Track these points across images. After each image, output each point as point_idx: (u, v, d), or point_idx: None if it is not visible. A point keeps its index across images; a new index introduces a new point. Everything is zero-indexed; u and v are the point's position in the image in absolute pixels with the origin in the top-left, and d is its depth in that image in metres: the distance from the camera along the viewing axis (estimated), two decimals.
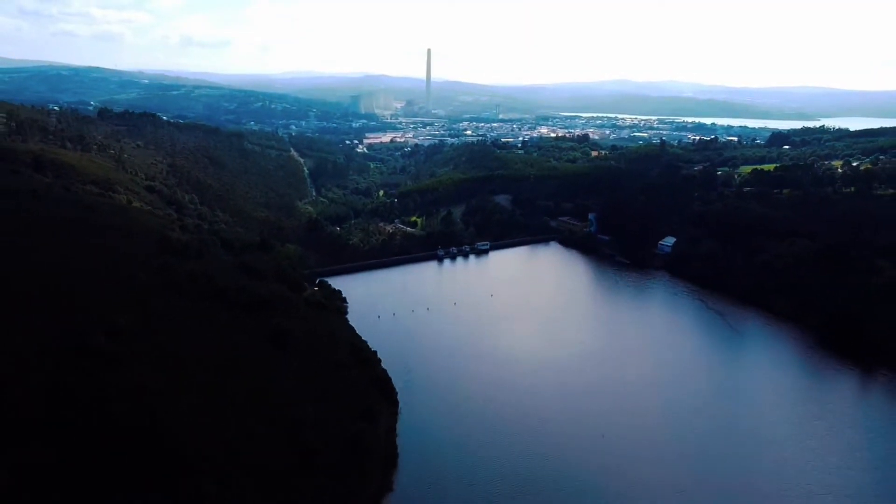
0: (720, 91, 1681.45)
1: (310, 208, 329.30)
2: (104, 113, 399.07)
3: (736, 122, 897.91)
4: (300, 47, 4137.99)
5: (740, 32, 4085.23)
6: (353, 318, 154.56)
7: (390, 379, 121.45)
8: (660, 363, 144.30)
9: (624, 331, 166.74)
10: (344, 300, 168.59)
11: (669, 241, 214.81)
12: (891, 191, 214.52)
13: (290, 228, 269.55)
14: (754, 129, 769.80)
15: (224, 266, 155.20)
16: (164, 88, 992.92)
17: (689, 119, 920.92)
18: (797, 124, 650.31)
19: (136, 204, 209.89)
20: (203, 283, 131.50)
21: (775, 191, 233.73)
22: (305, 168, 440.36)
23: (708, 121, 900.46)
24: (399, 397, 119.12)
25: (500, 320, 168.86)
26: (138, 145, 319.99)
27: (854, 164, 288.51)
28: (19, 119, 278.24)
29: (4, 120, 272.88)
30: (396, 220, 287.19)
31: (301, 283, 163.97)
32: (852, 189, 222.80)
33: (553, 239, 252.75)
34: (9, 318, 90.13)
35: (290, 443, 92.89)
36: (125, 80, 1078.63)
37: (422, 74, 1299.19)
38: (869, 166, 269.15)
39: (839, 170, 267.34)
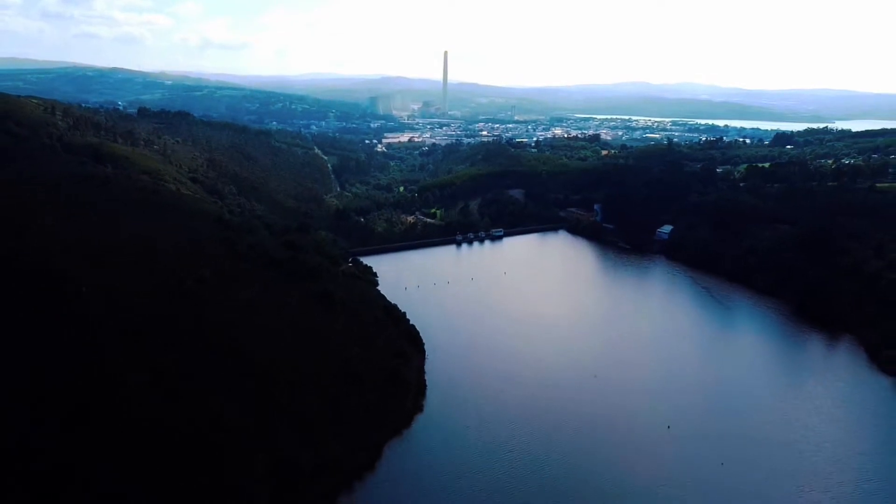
0: (736, 94, 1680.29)
1: (335, 201, 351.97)
2: (143, 112, 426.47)
3: (750, 125, 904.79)
4: (317, 50, 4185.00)
5: (758, 35, 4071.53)
6: (382, 289, 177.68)
7: (418, 332, 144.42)
8: (652, 325, 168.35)
9: (622, 300, 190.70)
10: (374, 274, 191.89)
11: (667, 228, 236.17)
12: (869, 183, 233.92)
13: (320, 217, 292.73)
14: (766, 131, 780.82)
15: (272, 243, 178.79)
16: (188, 89, 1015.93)
17: (704, 121, 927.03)
18: (814, 127, 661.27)
19: (184, 192, 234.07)
20: (259, 253, 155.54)
21: (767, 185, 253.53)
22: (329, 165, 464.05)
23: (722, 123, 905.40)
24: (425, 347, 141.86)
25: (511, 291, 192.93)
26: (177, 141, 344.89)
27: (846, 161, 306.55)
28: (74, 116, 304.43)
29: (61, 116, 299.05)
30: (417, 212, 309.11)
31: (338, 258, 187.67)
32: (835, 183, 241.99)
33: (562, 227, 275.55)
34: (128, 267, 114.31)
35: (343, 372, 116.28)
36: (149, 82, 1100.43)
37: (438, 76, 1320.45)
38: (858, 163, 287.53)
39: (833, 166, 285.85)
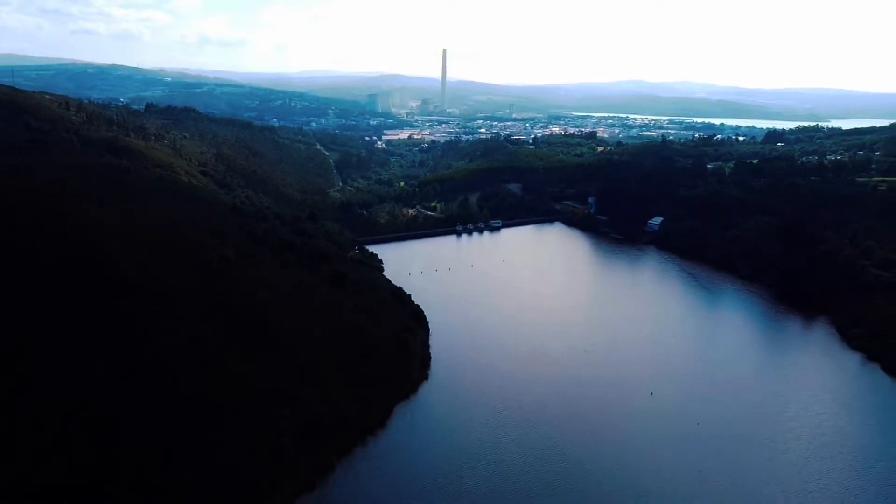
0: (733, 92, 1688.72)
1: (338, 195, 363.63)
2: (150, 108, 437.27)
3: (746, 123, 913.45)
4: (316, 47, 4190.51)
5: (755, 34, 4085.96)
6: (388, 274, 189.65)
7: (422, 311, 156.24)
8: (640, 304, 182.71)
9: (612, 284, 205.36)
10: (380, 261, 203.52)
11: (657, 220, 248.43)
12: (850, 178, 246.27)
13: (325, 209, 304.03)
14: (762, 129, 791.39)
15: (284, 230, 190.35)
16: (188, 86, 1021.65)
17: (700, 120, 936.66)
18: (806, 125, 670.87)
19: (196, 184, 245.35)
20: (274, 238, 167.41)
21: (753, 180, 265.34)
22: (331, 160, 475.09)
23: (718, 121, 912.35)
24: (429, 324, 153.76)
25: (508, 276, 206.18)
26: (185, 136, 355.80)
27: (830, 157, 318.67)
28: (88, 111, 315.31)
29: (75, 112, 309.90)
30: (418, 205, 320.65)
31: (346, 245, 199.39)
32: (818, 178, 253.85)
33: (557, 219, 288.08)
34: (160, 246, 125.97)
35: (356, 343, 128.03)
36: (149, 79, 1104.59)
37: (436, 74, 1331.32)
38: (842, 159, 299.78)
39: (817, 162, 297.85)
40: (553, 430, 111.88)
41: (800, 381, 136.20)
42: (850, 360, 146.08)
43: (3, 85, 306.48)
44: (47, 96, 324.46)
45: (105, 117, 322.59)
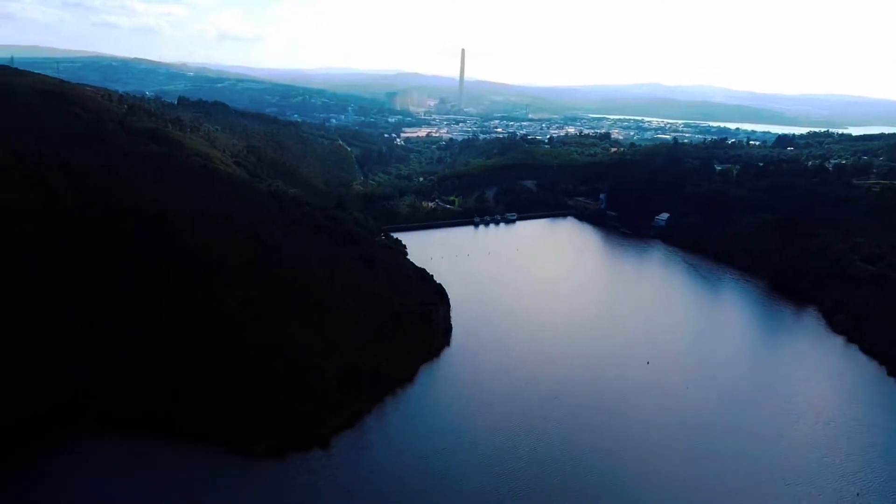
0: (750, 97, 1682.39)
1: (361, 188, 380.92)
2: (182, 101, 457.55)
3: (761, 128, 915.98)
4: (332, 43, 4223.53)
5: (773, 39, 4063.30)
6: (410, 258, 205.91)
7: (444, 289, 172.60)
8: (644, 290, 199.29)
9: (619, 272, 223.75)
10: (403, 246, 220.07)
11: (664, 216, 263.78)
12: (847, 179, 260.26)
13: (350, 200, 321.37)
14: (776, 134, 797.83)
15: (316, 215, 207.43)
16: (210, 81, 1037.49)
17: (715, 124, 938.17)
18: (817, 131, 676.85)
19: (232, 172, 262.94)
20: (310, 221, 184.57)
21: (757, 180, 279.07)
22: (353, 155, 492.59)
23: (733, 126, 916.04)
24: (450, 300, 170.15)
25: (523, 262, 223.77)
26: (217, 129, 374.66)
27: (833, 161, 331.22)
28: (128, 103, 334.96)
29: (116, 103, 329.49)
30: (437, 199, 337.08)
31: (372, 231, 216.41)
32: (817, 179, 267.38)
33: (570, 214, 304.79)
34: (216, 223, 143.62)
35: (386, 312, 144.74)
36: (172, 73, 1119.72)
37: (453, 73, 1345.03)
38: (844, 163, 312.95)
39: (819, 164, 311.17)
40: (555, 383, 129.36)
41: (789, 358, 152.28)
42: (833, 342, 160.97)
43: (51, 77, 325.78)
44: (88, 88, 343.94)
45: (144, 109, 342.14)
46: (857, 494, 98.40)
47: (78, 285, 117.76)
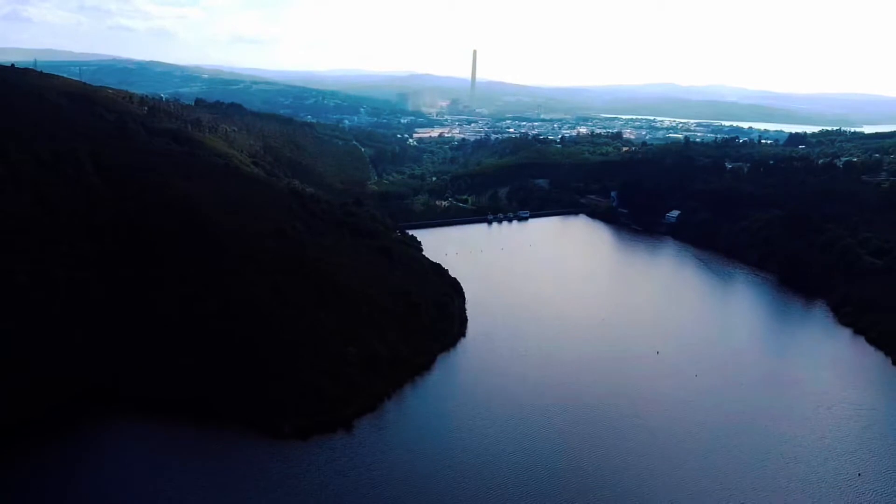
0: (764, 96, 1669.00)
1: (376, 187, 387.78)
2: (199, 102, 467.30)
3: (774, 127, 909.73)
4: (346, 45, 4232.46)
5: (788, 38, 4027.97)
6: (426, 254, 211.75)
7: (459, 283, 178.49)
8: (652, 284, 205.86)
9: (630, 267, 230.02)
10: (419, 242, 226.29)
11: (674, 213, 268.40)
12: (856, 176, 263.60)
13: (366, 198, 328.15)
14: (790, 133, 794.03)
15: (336, 211, 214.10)
16: (225, 83, 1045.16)
17: (729, 123, 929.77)
18: (830, 129, 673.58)
19: (252, 171, 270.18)
20: (331, 216, 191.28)
21: (767, 177, 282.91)
22: (367, 155, 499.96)
23: (747, 125, 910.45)
24: (465, 293, 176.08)
25: (536, 258, 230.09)
26: (234, 130, 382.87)
27: (843, 159, 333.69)
28: (149, 104, 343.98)
29: (136, 105, 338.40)
30: (450, 198, 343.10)
31: (389, 227, 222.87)
32: (826, 176, 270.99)
33: (581, 212, 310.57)
34: (244, 216, 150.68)
35: (405, 302, 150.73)
36: (187, 75, 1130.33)
37: (465, 74, 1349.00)
38: (855, 160, 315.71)
39: (828, 162, 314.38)
40: (566, 371, 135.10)
41: (796, 349, 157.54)
42: (841, 333, 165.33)
43: (74, 80, 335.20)
44: (109, 90, 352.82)
45: (164, 110, 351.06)
46: (859, 475, 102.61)
47: (118, 273, 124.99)
